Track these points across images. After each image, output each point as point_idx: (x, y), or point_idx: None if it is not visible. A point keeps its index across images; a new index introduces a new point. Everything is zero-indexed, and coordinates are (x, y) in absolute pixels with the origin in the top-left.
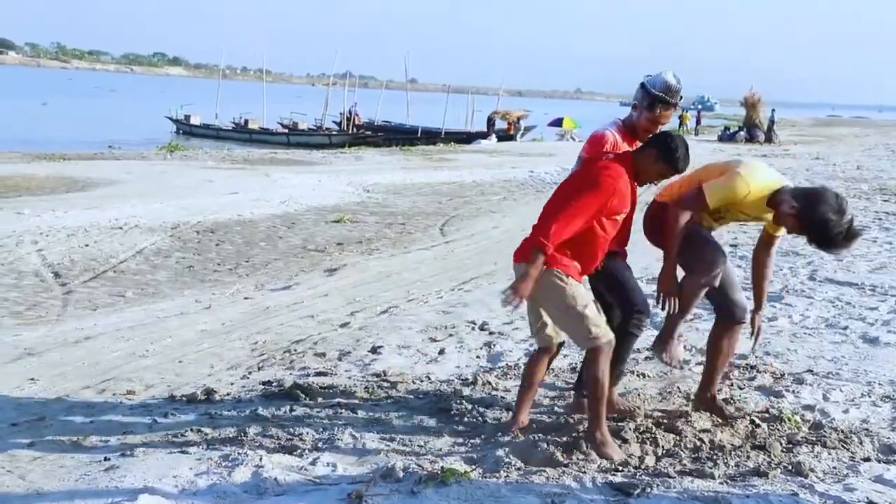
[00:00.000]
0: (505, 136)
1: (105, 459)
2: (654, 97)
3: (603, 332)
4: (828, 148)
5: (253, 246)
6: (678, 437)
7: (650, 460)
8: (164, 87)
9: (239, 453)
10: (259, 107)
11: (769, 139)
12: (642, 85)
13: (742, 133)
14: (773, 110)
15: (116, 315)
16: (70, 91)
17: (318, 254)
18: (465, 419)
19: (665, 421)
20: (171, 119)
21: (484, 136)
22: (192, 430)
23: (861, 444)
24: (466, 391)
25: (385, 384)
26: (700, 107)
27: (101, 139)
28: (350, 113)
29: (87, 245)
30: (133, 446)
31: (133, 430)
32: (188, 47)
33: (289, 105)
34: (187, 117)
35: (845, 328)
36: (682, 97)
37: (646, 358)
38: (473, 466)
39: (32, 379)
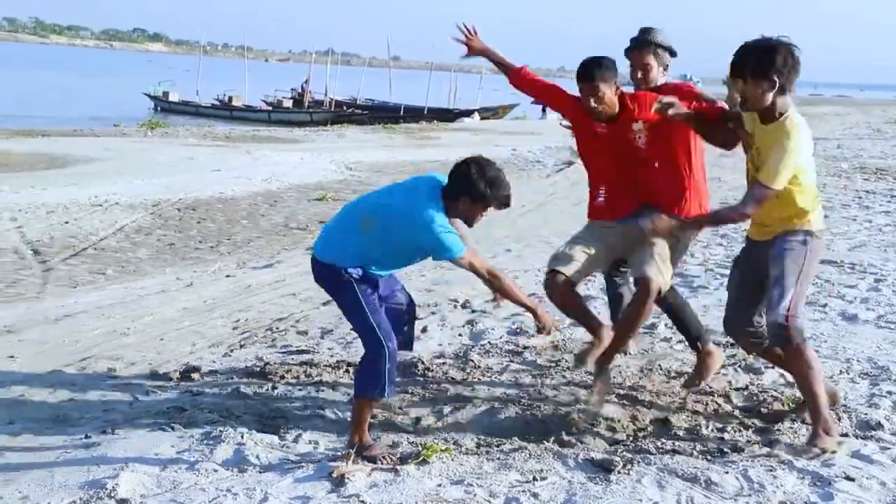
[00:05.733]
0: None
1: (85, 437)
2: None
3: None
4: (809, 127)
5: (235, 224)
6: (658, 415)
7: (631, 437)
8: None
9: (220, 431)
10: (241, 83)
11: None
12: None
13: None
14: None
15: (97, 292)
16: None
17: (301, 232)
18: (448, 396)
19: (646, 398)
20: (149, 96)
21: (468, 114)
22: (173, 407)
23: (839, 420)
24: (449, 369)
25: None
26: None
27: (80, 115)
28: (301, 89)
29: (66, 222)
30: (114, 424)
31: (114, 407)
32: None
33: (272, 83)
34: (166, 94)
35: (824, 306)
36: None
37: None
38: (455, 444)
39: (12, 356)
